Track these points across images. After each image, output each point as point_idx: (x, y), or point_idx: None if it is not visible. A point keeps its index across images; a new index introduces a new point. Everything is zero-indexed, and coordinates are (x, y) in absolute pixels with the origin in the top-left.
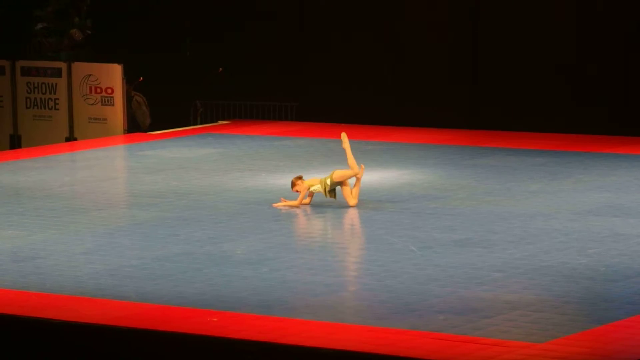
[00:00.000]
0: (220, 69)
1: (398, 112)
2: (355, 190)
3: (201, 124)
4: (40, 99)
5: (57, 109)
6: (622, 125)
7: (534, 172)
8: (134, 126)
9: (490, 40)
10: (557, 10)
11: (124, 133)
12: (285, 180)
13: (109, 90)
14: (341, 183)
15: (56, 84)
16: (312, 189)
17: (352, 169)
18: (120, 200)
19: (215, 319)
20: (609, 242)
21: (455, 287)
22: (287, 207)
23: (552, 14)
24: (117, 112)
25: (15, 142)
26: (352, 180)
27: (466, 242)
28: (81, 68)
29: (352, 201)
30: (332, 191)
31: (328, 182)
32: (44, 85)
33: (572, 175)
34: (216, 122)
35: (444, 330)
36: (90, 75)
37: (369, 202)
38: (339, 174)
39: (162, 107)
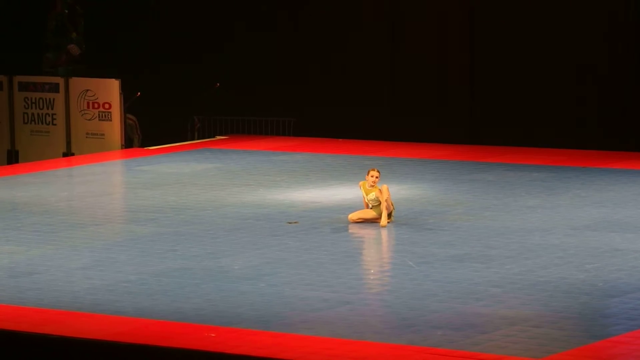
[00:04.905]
0: (217, 84)
1: (396, 128)
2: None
3: (199, 139)
4: (38, 114)
5: (55, 124)
6: (620, 141)
7: (532, 188)
8: (129, 141)
9: (489, 55)
10: (556, 26)
11: (122, 148)
12: (283, 195)
13: (107, 106)
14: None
15: (54, 99)
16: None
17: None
18: (117, 216)
19: (213, 335)
20: (606, 258)
21: (453, 302)
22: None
23: (550, 30)
24: (114, 128)
25: (12, 158)
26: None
27: (464, 257)
28: (79, 83)
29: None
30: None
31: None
32: (41, 101)
33: (569, 191)
34: (214, 137)
35: (442, 345)
36: (87, 90)
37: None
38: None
39: (159, 122)
